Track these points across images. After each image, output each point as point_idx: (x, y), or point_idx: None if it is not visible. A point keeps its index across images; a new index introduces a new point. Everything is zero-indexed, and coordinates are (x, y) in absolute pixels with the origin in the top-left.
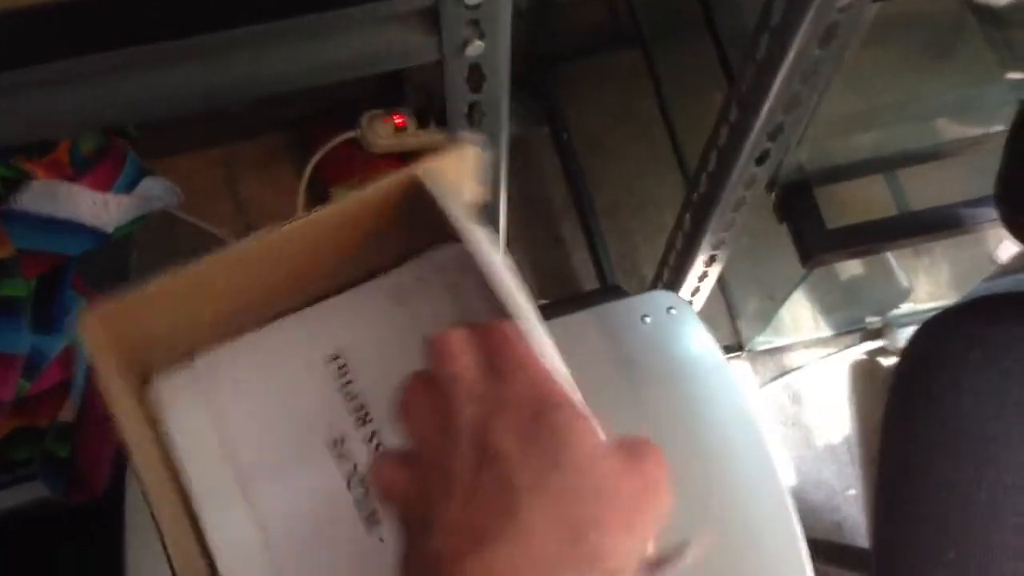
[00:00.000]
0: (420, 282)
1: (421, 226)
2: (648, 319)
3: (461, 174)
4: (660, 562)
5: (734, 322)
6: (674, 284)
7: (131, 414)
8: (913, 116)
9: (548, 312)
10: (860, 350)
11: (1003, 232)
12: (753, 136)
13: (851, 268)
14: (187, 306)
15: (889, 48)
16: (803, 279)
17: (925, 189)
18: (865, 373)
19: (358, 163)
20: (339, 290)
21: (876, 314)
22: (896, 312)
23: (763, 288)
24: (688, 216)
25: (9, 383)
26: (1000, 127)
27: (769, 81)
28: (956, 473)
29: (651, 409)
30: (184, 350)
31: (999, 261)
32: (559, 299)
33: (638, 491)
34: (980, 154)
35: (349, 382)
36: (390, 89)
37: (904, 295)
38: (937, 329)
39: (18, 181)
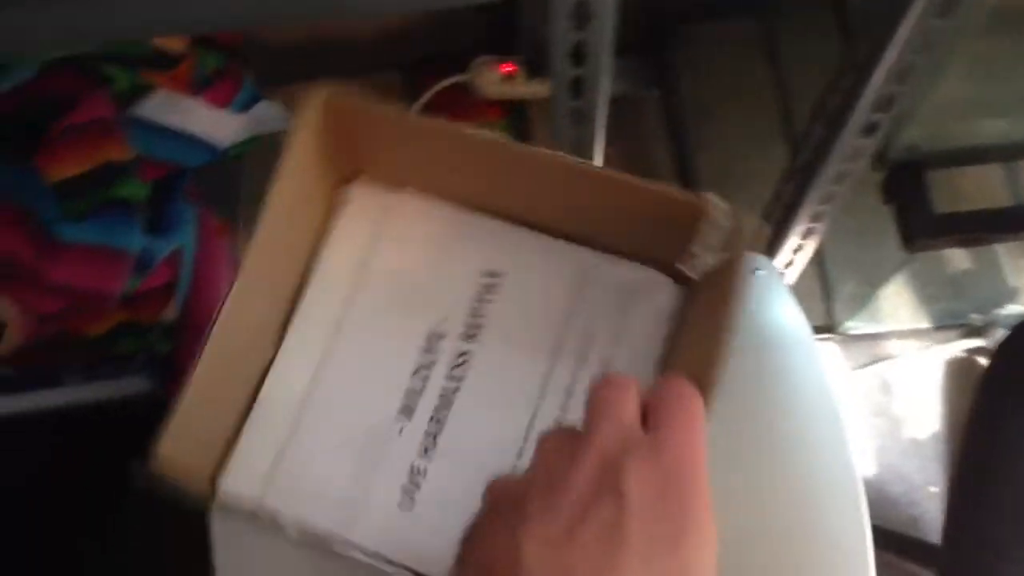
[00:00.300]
0: (613, 287)
1: (664, 241)
2: None
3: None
4: None
5: (828, 303)
6: (768, 253)
7: (287, 196)
8: None
9: None
10: (959, 347)
11: None
12: (863, 103)
13: (957, 261)
14: (428, 148)
15: (1019, 39)
16: (904, 264)
17: None
18: (962, 371)
19: (465, 108)
20: (561, 236)
21: (979, 312)
22: (1000, 312)
23: (862, 271)
24: (789, 185)
25: (121, 277)
26: None
27: (882, 47)
28: None
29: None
30: (400, 180)
31: None
32: None
33: None
34: None
35: (485, 301)
36: (503, 38)
37: (1010, 295)
38: None
39: (144, 91)
